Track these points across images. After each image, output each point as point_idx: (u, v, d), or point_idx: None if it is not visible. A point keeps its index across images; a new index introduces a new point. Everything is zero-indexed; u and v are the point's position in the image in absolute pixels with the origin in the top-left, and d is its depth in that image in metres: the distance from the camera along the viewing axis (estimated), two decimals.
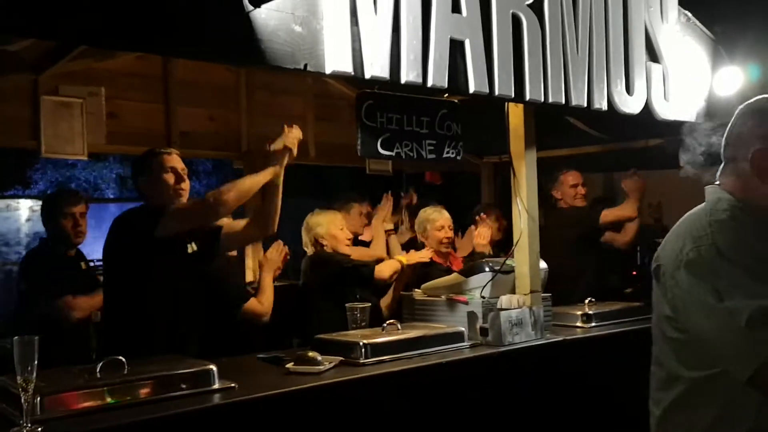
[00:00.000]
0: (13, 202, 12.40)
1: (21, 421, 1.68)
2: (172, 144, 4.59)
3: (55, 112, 4.03)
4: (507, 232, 4.64)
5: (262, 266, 3.51)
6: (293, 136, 2.79)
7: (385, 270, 3.49)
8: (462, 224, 4.77)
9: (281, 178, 2.82)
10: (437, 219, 3.90)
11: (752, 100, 1.66)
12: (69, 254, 3.56)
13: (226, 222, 2.88)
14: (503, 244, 4.40)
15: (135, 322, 2.58)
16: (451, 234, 3.94)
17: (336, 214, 3.75)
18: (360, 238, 4.33)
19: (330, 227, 3.60)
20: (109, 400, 1.86)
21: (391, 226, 4.54)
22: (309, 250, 3.67)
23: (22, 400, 1.68)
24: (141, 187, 2.78)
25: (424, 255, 3.69)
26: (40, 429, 1.68)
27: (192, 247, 2.70)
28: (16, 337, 1.69)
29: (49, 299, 3.21)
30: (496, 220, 4.74)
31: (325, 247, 3.59)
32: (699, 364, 1.49)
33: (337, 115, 5.41)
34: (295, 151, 2.80)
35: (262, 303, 3.27)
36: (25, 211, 12.34)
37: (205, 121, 4.76)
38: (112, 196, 14.00)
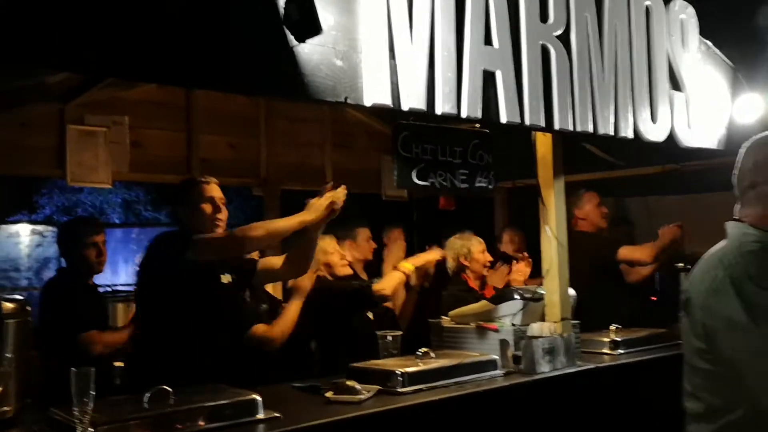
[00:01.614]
0: (21, 227, 12.45)
1: None
2: (192, 170, 4.66)
3: (80, 141, 4.09)
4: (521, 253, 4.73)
5: (292, 292, 3.48)
6: (340, 193, 2.76)
7: (385, 285, 3.38)
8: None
9: (322, 227, 2.81)
10: (478, 243, 3.95)
11: (756, 137, 1.68)
12: (90, 283, 3.57)
13: (265, 259, 2.90)
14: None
15: (163, 347, 2.58)
16: (491, 257, 3.98)
17: (323, 239, 3.51)
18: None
19: (319, 256, 3.42)
20: (160, 430, 1.87)
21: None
22: None
23: (78, 431, 1.69)
24: (180, 215, 2.79)
25: (431, 256, 3.64)
26: None
27: (227, 278, 2.71)
28: (74, 369, 1.71)
29: (74, 332, 3.19)
30: (510, 241, 4.84)
31: (323, 276, 3.47)
32: (733, 396, 1.50)
33: (353, 142, 5.48)
34: (338, 208, 2.76)
35: (273, 329, 3.13)
36: (34, 236, 12.38)
37: (225, 148, 4.82)
38: (117, 221, 14.06)
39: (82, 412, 1.69)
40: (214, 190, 2.74)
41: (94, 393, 1.72)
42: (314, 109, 5.20)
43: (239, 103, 4.82)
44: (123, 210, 14.09)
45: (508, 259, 4.67)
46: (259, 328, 3.13)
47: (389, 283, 3.39)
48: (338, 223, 4.18)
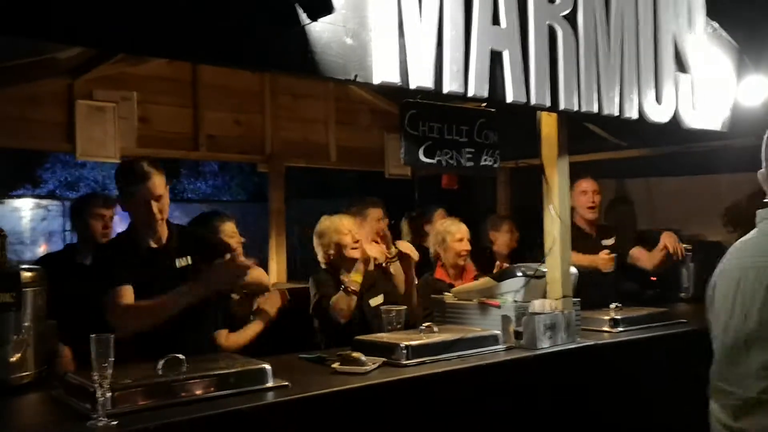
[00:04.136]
0: (24, 201, 12.52)
1: (95, 415, 1.76)
2: (199, 147, 4.70)
3: (90, 116, 4.13)
4: (521, 241, 4.74)
5: (256, 312, 3.36)
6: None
7: (340, 302, 3.25)
8: (478, 229, 4.85)
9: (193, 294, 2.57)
10: (456, 231, 3.85)
11: None
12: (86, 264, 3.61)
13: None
14: (518, 253, 4.47)
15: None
16: (468, 247, 3.88)
17: (341, 218, 3.52)
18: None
19: (332, 234, 3.43)
20: (174, 396, 1.94)
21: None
22: (320, 258, 3.52)
23: (98, 395, 1.75)
24: (123, 204, 2.69)
25: (374, 252, 3.43)
26: (115, 422, 1.76)
27: (185, 261, 2.65)
28: (93, 335, 1.77)
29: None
30: (509, 231, 4.79)
31: (331, 256, 3.45)
32: None
33: (357, 119, 5.51)
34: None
35: (229, 340, 3.14)
36: (38, 210, 12.45)
37: (231, 124, 4.86)
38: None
39: (101, 376, 1.76)
40: (155, 184, 2.57)
41: (113, 359, 1.78)
42: (319, 86, 5.23)
43: (245, 80, 4.85)
44: None
45: (490, 258, 4.57)
46: (220, 335, 3.12)
47: (338, 304, 3.25)
48: (351, 201, 4.18)
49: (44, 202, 12.52)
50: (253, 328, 3.29)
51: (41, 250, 11.63)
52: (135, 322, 2.45)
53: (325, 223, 3.48)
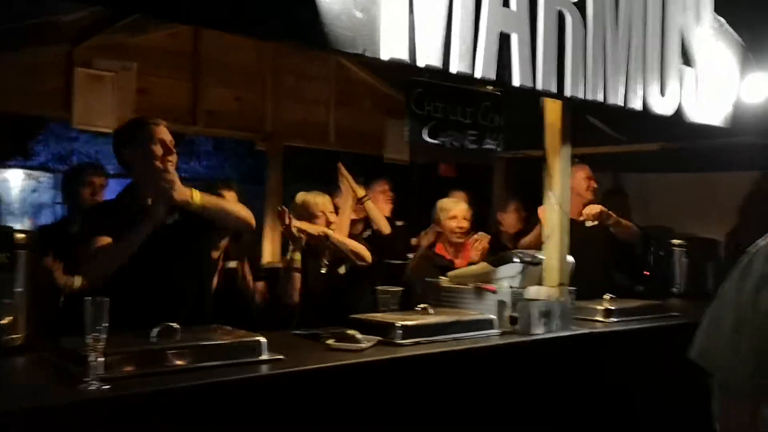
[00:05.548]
0: (15, 172, 12.39)
1: (87, 379, 1.74)
2: (197, 121, 4.66)
3: (88, 85, 4.07)
4: (526, 223, 4.76)
5: None
6: None
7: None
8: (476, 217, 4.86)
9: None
10: (451, 209, 3.94)
11: None
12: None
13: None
14: (526, 234, 4.48)
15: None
16: (465, 225, 3.93)
17: (317, 196, 3.50)
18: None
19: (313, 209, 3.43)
20: (167, 364, 1.92)
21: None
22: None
23: (90, 359, 1.73)
24: (127, 159, 2.60)
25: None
26: (107, 387, 1.73)
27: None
28: (88, 298, 1.75)
29: None
30: (515, 210, 4.85)
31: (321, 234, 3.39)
32: None
33: (357, 101, 5.48)
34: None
35: None
36: (30, 181, 12.33)
37: (231, 101, 4.81)
38: (112, 172, 14.01)
39: (95, 340, 1.73)
40: (164, 132, 2.58)
41: (107, 324, 1.75)
42: (320, 66, 5.19)
43: (247, 57, 4.80)
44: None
45: (499, 238, 4.60)
46: None
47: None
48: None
49: (36, 173, 12.39)
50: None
51: (28, 223, 11.52)
52: (101, 265, 2.40)
53: (307, 196, 3.48)
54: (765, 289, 1.32)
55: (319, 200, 3.47)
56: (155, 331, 2.01)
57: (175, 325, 2.04)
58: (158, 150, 2.53)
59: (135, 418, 1.73)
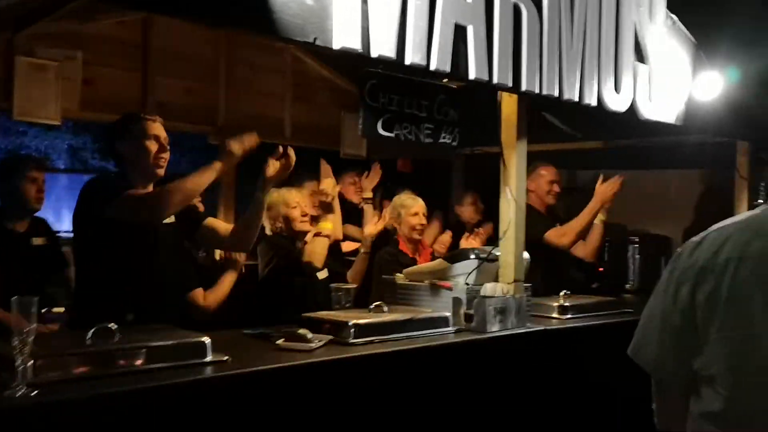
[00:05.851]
0: None
1: (14, 384, 1.62)
2: (147, 114, 4.49)
3: (30, 74, 3.88)
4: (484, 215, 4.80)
5: (225, 264, 3.37)
6: (250, 141, 2.57)
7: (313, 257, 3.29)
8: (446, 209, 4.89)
9: (265, 197, 2.71)
10: (412, 205, 3.90)
11: None
12: (17, 230, 3.43)
13: (213, 220, 2.83)
14: (484, 224, 4.49)
15: (103, 294, 2.48)
16: (424, 221, 3.95)
17: (290, 191, 3.52)
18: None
19: (280, 207, 3.44)
20: (102, 367, 1.82)
21: (370, 195, 4.51)
22: (267, 229, 3.51)
23: (18, 362, 1.62)
24: (120, 152, 2.58)
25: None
26: (35, 392, 1.62)
27: (168, 220, 2.59)
28: (15, 297, 1.63)
29: None
30: (472, 203, 4.89)
31: (280, 229, 3.46)
32: None
33: (314, 96, 5.39)
34: (291, 165, 2.66)
35: (208, 298, 3.16)
36: None
37: (182, 93, 4.66)
38: (63, 167, 13.58)
39: (22, 343, 1.62)
40: (159, 128, 2.57)
41: (35, 325, 1.64)
42: (276, 59, 5.08)
43: (199, 46, 4.67)
44: (69, 156, 13.59)
45: (461, 228, 4.67)
46: (197, 294, 3.12)
47: (314, 247, 3.28)
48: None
49: None
50: (228, 280, 3.27)
51: None
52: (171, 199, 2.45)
53: (273, 195, 3.39)
54: (685, 285, 1.30)
55: (294, 196, 3.48)
56: (90, 332, 1.90)
57: (112, 325, 1.94)
58: (152, 146, 2.52)
59: (65, 425, 1.63)
